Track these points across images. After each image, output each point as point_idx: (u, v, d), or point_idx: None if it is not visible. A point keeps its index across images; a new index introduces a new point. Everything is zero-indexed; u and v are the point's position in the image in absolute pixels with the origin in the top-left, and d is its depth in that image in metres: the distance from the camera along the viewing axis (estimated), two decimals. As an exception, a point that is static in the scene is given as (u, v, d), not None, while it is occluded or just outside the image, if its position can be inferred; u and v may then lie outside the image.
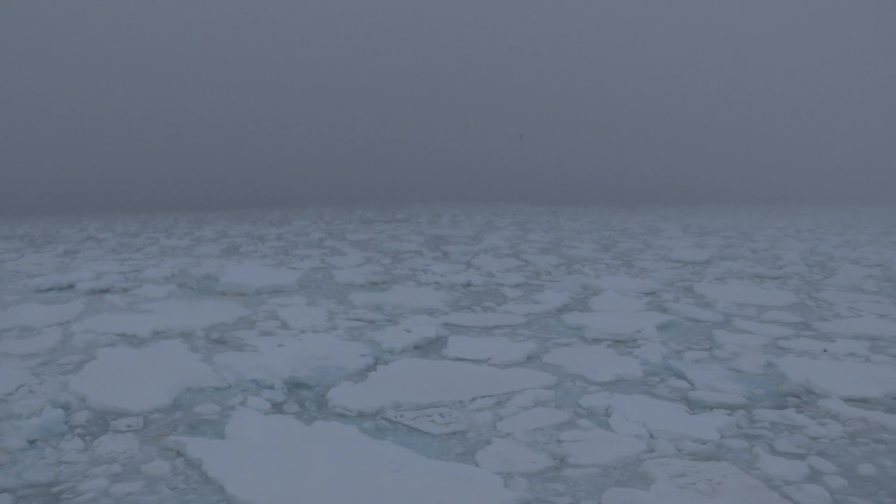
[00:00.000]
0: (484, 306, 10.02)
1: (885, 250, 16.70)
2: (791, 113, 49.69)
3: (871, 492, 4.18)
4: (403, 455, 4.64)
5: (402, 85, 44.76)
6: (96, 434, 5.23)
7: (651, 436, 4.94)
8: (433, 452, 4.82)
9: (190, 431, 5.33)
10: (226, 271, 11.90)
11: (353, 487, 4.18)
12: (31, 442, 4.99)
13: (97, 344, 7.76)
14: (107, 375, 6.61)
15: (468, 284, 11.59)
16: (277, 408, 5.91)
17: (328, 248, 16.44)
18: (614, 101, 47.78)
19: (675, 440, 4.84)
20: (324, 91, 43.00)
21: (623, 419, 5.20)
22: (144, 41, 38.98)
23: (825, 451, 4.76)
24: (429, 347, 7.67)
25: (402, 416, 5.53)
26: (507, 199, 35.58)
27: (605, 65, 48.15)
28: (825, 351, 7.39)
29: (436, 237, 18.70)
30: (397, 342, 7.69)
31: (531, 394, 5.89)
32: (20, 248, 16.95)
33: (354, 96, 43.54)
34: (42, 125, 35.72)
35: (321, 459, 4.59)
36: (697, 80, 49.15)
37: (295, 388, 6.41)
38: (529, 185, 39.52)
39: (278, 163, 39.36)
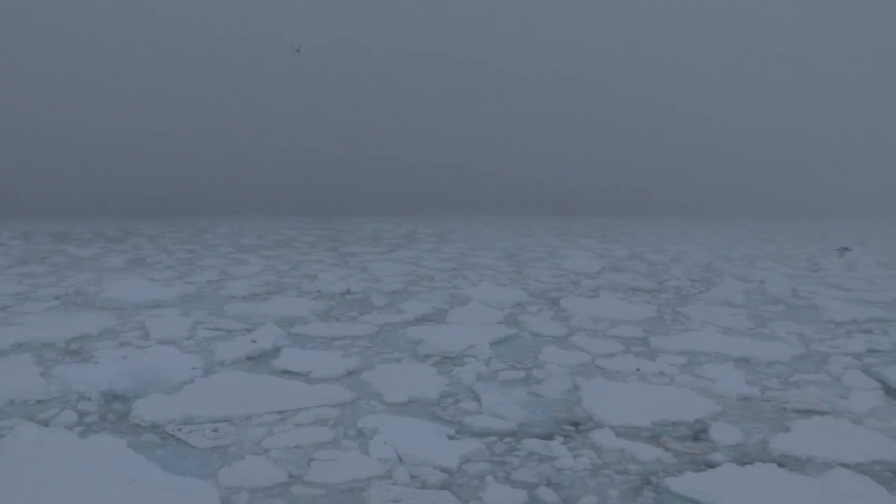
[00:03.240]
0: (348, 316, 10.22)
1: (777, 266, 17.21)
2: (784, 128, 50.50)
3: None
4: (146, 469, 4.81)
5: (359, 97, 44.87)
6: None
7: (400, 460, 5.12)
8: (186, 467, 4.99)
9: (-26, 444, 5.47)
10: (109, 286, 11.86)
11: (76, 498, 4.37)
12: None
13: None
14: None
15: (346, 292, 11.81)
16: (81, 419, 6.07)
17: (234, 259, 16.47)
18: (600, 112, 48.30)
19: (417, 466, 5.00)
20: (277, 99, 42.97)
21: (382, 442, 5.39)
22: (83, 39, 38.61)
23: (559, 483, 4.90)
24: (261, 359, 7.85)
25: (180, 429, 5.72)
26: (462, 210, 35.75)
27: (585, 77, 48.59)
28: (638, 370, 7.70)
29: (347, 253, 18.79)
30: (231, 354, 7.87)
31: (317, 411, 6.08)
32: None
33: (309, 106, 43.55)
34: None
35: (68, 473, 4.74)
36: (686, 91, 49.82)
37: (112, 400, 6.56)
38: (493, 195, 39.78)
39: (227, 170, 39.24)
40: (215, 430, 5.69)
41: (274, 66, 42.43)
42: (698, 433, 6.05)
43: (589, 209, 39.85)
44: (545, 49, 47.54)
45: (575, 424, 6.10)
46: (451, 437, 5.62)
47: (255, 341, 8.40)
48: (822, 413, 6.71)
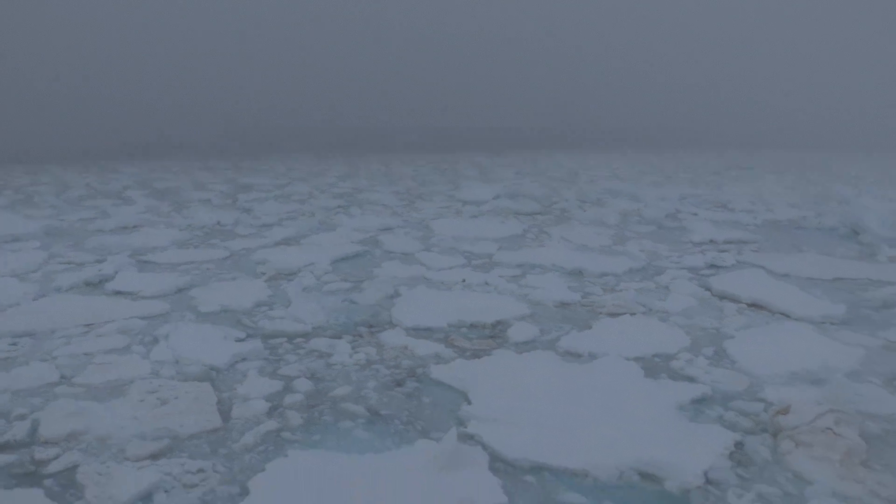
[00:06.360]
0: (208, 244, 10.29)
1: (684, 189, 17.54)
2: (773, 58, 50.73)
3: (308, 405, 4.64)
4: None
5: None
6: None
7: (176, 361, 5.32)
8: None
9: None
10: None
11: None
12: None
13: None
14: None
15: (218, 223, 11.86)
16: None
17: (125, 199, 16.25)
18: (540, 49, 48.06)
19: (188, 365, 5.22)
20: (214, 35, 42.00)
21: (165, 346, 5.58)
22: None
23: (321, 376, 5.11)
24: (98, 285, 7.91)
25: (-22, 346, 5.85)
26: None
27: (524, 18, 48.16)
28: (464, 281, 7.93)
29: (245, 185, 18.67)
30: (69, 281, 7.91)
31: (124, 323, 6.24)
32: None
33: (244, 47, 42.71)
34: None
35: None
36: (625, 30, 49.76)
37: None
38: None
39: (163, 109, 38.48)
40: (13, 344, 5.82)
41: (210, 11, 41.52)
42: (495, 333, 6.28)
43: (525, 144, 39.96)
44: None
45: (370, 327, 6.32)
46: (238, 340, 5.82)
47: (101, 270, 8.46)
48: (632, 314, 6.97)
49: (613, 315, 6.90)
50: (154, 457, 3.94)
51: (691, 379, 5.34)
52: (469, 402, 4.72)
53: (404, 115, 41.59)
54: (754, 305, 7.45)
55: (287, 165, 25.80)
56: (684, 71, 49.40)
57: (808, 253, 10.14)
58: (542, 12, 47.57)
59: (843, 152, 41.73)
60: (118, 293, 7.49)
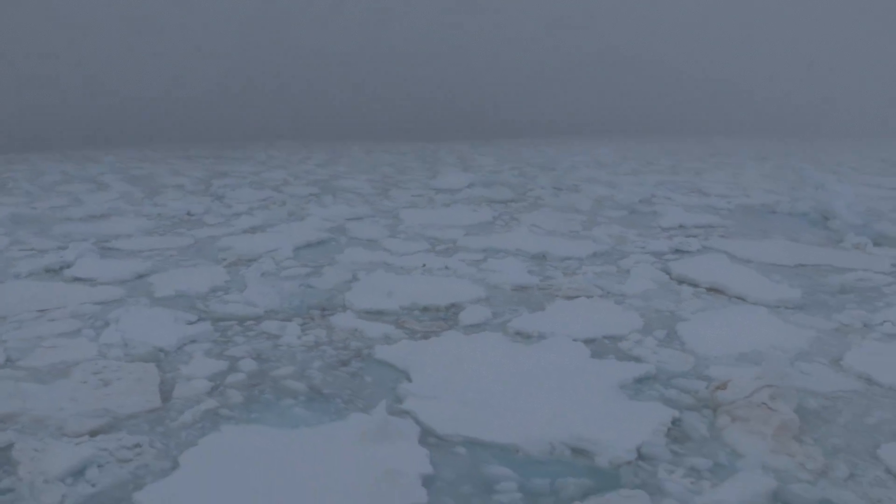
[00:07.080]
0: (175, 232, 10.25)
1: (662, 176, 17.54)
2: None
3: (249, 384, 4.68)
4: None
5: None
6: None
7: (125, 344, 5.34)
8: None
9: None
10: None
11: None
12: None
13: None
14: None
15: (188, 213, 11.81)
16: None
17: (99, 184, 16.16)
18: (528, 38, 48.00)
19: (135, 347, 5.24)
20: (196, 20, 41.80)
21: (115, 329, 5.59)
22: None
23: (267, 357, 5.15)
24: (58, 272, 7.87)
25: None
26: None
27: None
28: (424, 265, 7.96)
29: (222, 172, 18.60)
30: (28, 267, 7.87)
31: (77, 308, 6.25)
32: None
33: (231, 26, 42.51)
34: None
35: None
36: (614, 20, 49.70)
37: None
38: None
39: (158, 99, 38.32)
40: (-34, 329, 5.82)
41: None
42: (448, 316, 6.29)
43: (509, 133, 39.82)
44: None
45: (323, 310, 6.35)
46: (189, 323, 5.84)
47: (63, 257, 8.42)
48: (588, 296, 7.00)
49: (569, 298, 6.92)
50: (92, 433, 3.97)
51: (637, 359, 5.38)
52: (410, 381, 4.75)
53: (392, 102, 41.48)
54: (713, 290, 7.49)
55: (268, 153, 25.65)
56: (674, 59, 49.34)
57: (776, 238, 10.16)
58: (532, 5, 47.45)
59: (831, 140, 41.81)
60: (76, 279, 7.48)
